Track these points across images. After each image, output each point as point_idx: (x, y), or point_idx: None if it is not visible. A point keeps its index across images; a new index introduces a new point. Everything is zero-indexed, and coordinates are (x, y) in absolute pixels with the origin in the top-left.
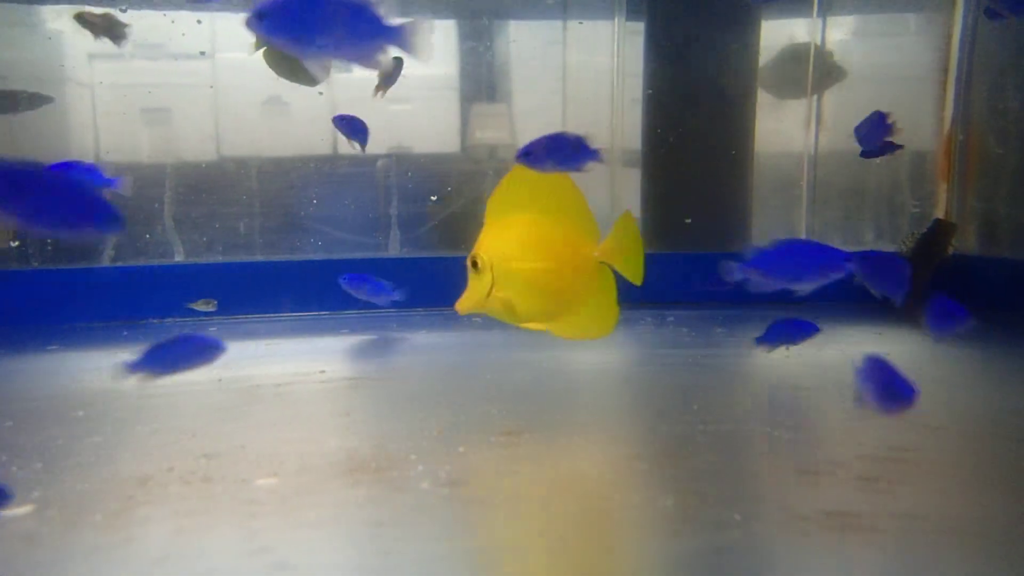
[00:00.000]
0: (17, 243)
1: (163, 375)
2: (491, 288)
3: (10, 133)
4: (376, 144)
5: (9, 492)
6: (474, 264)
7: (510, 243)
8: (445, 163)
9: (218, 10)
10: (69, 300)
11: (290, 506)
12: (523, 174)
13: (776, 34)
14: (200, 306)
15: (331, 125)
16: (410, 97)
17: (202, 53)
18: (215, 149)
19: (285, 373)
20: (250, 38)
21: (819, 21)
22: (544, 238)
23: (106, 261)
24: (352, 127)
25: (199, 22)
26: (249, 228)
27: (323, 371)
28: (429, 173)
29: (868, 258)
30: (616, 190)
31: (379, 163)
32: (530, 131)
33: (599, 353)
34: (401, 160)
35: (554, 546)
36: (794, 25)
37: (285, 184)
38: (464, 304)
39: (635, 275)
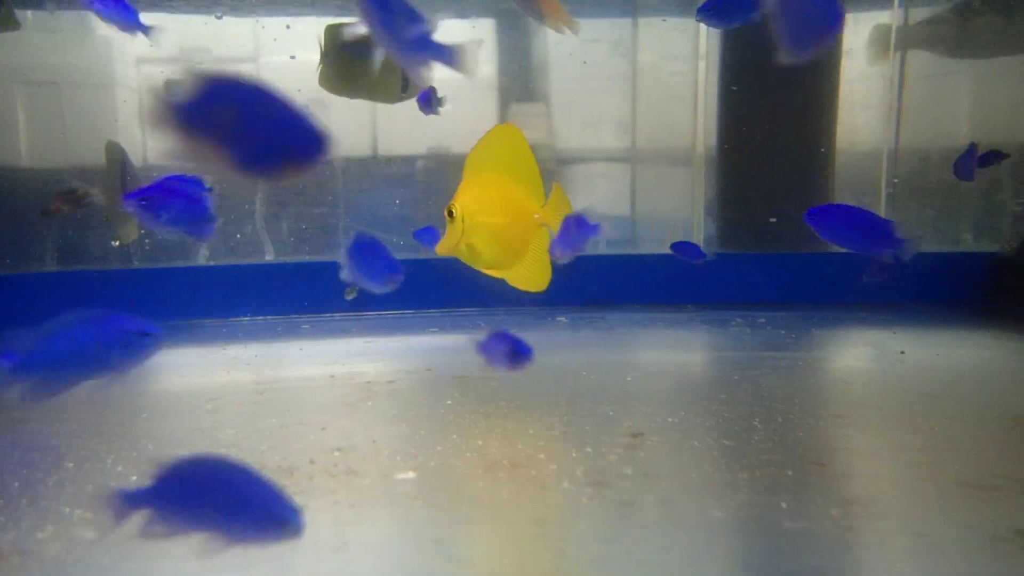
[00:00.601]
0: (118, 243)
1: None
2: (461, 236)
3: (63, 137)
4: (416, 145)
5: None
6: (450, 214)
7: (479, 199)
8: None
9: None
10: (168, 298)
11: (441, 500)
12: (496, 136)
13: (859, 27)
14: (349, 293)
15: (370, 127)
16: (449, 97)
17: (292, 57)
18: None
19: (394, 370)
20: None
21: (900, 12)
22: (505, 197)
23: (201, 260)
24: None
25: (263, 27)
26: (319, 227)
27: (429, 369)
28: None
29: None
30: (696, 190)
31: (418, 163)
32: (569, 131)
33: (701, 354)
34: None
35: (726, 555)
36: (879, 16)
37: (365, 184)
38: (442, 247)
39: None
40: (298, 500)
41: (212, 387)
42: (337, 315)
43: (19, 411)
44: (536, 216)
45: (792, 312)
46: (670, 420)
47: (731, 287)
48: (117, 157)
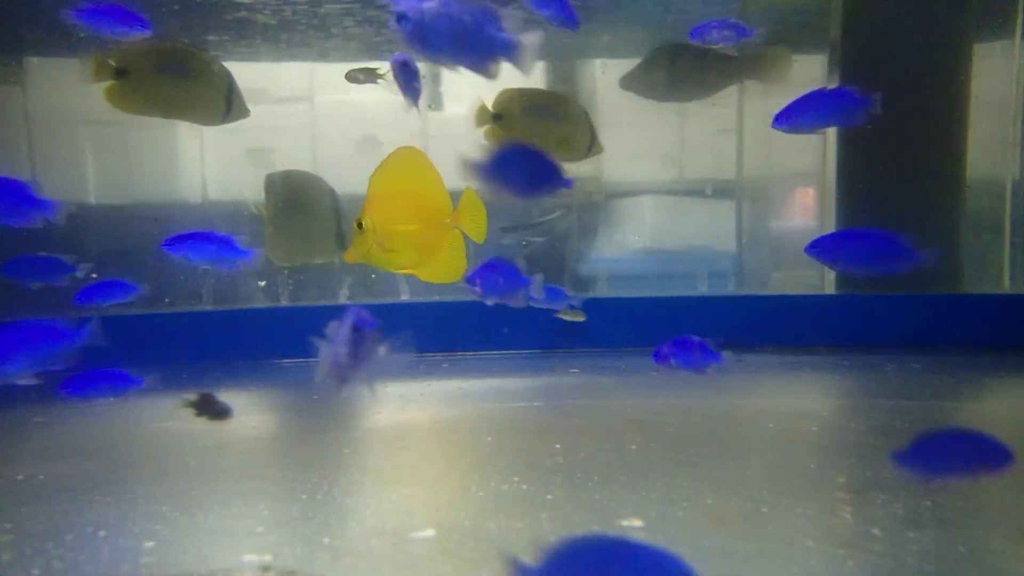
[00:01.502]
0: (264, 282)
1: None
2: (372, 244)
3: (125, 172)
4: (454, 180)
5: None
6: (359, 225)
7: (387, 210)
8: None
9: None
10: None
11: (755, 522)
12: (397, 156)
13: (984, 59)
14: (568, 315)
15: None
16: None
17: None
18: None
19: (564, 406)
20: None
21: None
22: (411, 206)
23: (342, 299)
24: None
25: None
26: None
27: (588, 408)
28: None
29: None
30: (824, 227)
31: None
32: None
33: (875, 402)
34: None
35: None
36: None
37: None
38: (351, 256)
39: (478, 235)
40: None
41: (399, 425)
42: (468, 354)
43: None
44: (448, 220)
45: (942, 356)
46: (883, 475)
47: (859, 329)
48: (325, 198)
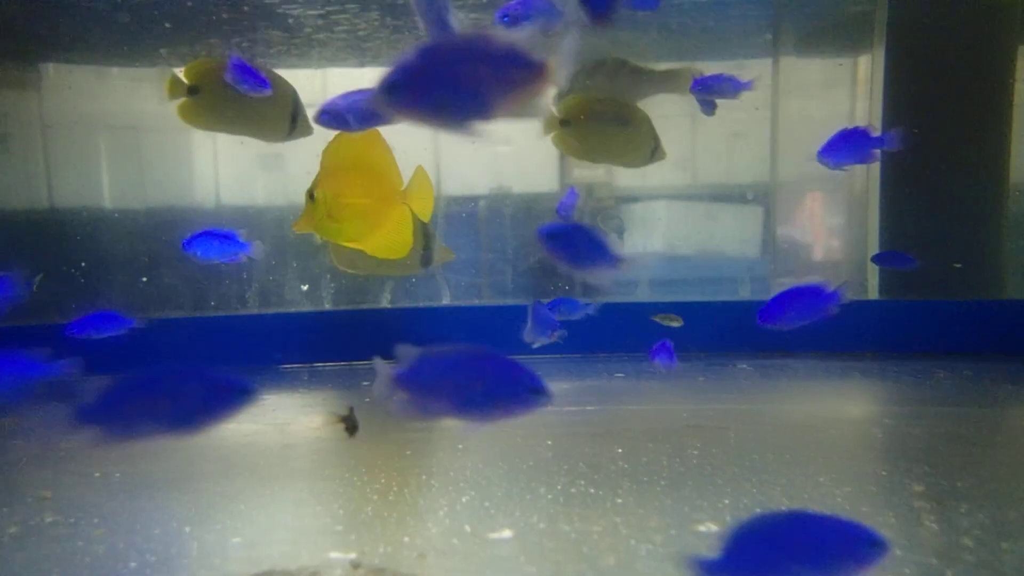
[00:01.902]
0: (307, 287)
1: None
2: (323, 215)
3: (139, 179)
4: (478, 186)
5: None
6: (311, 196)
7: (338, 183)
8: (543, 202)
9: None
10: (354, 338)
11: None
12: (350, 136)
13: None
14: (664, 320)
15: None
16: (512, 139)
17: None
18: None
19: (630, 412)
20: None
21: None
22: (361, 180)
23: (384, 303)
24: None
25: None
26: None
27: (648, 414)
28: (529, 213)
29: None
30: (869, 235)
31: (480, 203)
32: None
33: (936, 409)
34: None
35: None
36: None
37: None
38: (300, 226)
39: (424, 213)
40: None
41: (456, 427)
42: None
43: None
44: (396, 197)
45: (991, 363)
46: (959, 484)
47: (904, 335)
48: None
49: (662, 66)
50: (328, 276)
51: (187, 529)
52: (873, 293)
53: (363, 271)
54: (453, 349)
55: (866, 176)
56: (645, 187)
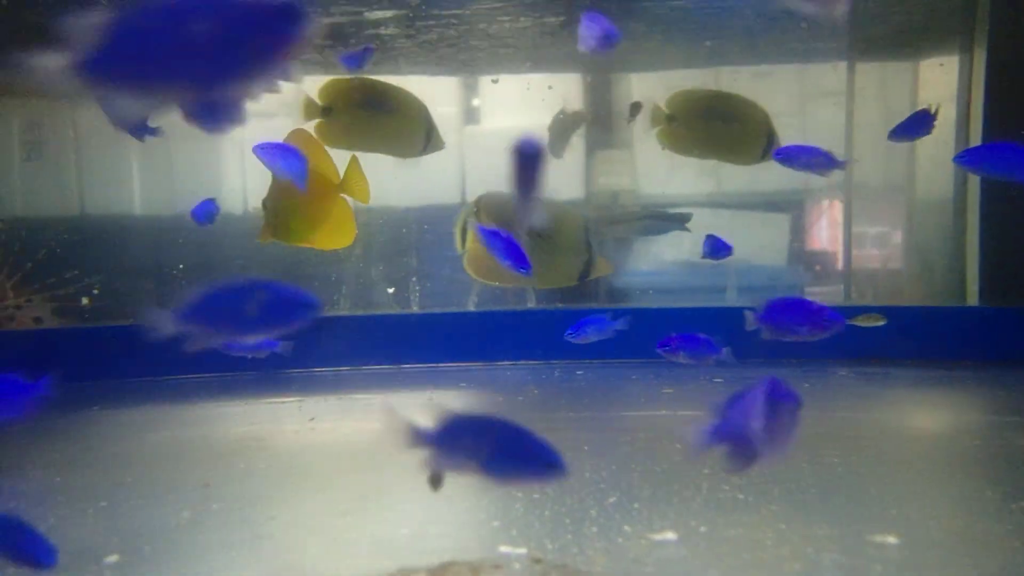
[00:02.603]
0: (393, 290)
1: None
2: (275, 221)
3: (170, 184)
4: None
5: None
6: (264, 205)
7: (280, 188)
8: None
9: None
10: (438, 342)
11: None
12: (290, 139)
13: None
14: (865, 321)
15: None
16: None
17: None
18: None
19: None
20: None
21: None
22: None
23: (471, 306)
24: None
25: (494, 81)
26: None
27: None
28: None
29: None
30: (969, 240)
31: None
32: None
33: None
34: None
35: None
36: None
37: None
38: (263, 235)
39: (364, 198)
40: None
41: (580, 428)
42: (594, 361)
43: None
44: (334, 190)
45: None
46: None
47: (1007, 343)
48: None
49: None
50: (414, 279)
51: (347, 519)
52: (972, 299)
53: (511, 282)
54: (477, 417)
55: (962, 182)
56: (675, 195)
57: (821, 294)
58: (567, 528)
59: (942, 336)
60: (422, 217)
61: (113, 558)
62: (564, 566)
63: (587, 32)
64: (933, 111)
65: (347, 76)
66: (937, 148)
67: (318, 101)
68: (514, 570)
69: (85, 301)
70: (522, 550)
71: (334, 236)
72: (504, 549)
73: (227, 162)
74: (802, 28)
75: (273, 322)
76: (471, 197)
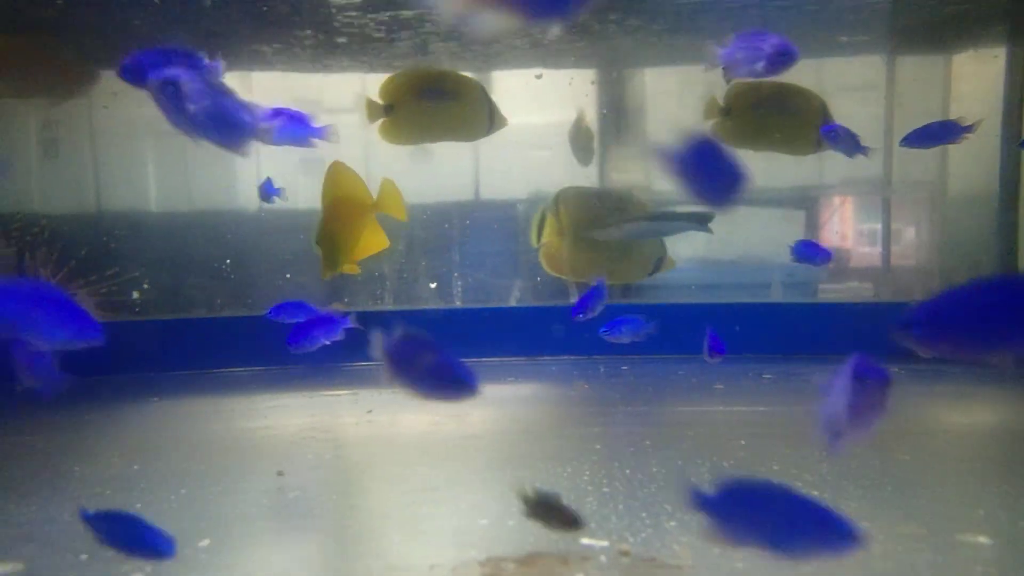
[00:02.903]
0: (435, 284)
1: None
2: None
3: (185, 181)
4: (516, 189)
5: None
6: (317, 244)
7: (329, 224)
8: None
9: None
10: (485, 336)
11: None
12: (327, 175)
13: None
14: None
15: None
16: (550, 143)
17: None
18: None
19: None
20: None
21: None
22: (343, 211)
23: (513, 302)
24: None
25: (538, 77)
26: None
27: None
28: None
29: None
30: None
31: (518, 208)
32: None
33: None
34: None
35: None
36: None
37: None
38: (325, 272)
39: (400, 214)
40: None
41: (671, 423)
42: (636, 357)
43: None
44: (370, 208)
45: None
46: None
47: None
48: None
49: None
50: (455, 274)
51: (424, 509)
52: None
53: (583, 278)
54: (764, 485)
55: (1011, 178)
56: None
57: (843, 291)
58: (645, 522)
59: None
60: (437, 214)
61: (205, 542)
62: (653, 559)
63: (746, 51)
64: (968, 123)
65: (404, 71)
66: (980, 142)
67: (379, 100)
68: (601, 563)
69: (136, 295)
70: (604, 542)
71: (368, 245)
72: (586, 541)
73: (242, 160)
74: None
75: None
76: (485, 194)
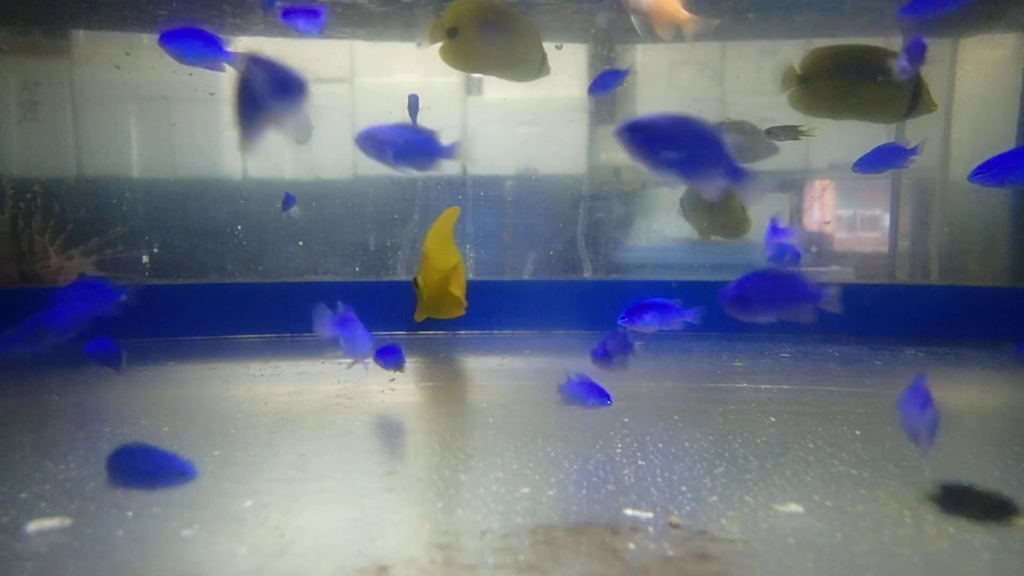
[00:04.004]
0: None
1: None
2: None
3: (169, 147)
4: (504, 166)
5: None
6: (415, 284)
7: (428, 269)
8: (570, 184)
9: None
10: (497, 310)
11: None
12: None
13: None
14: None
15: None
16: (538, 120)
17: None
18: (351, 168)
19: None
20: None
21: None
22: (439, 253)
23: (526, 275)
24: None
25: (558, 48)
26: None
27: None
28: (556, 194)
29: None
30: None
31: (507, 184)
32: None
33: None
34: (526, 181)
35: None
36: None
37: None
38: (418, 315)
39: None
40: None
41: (680, 398)
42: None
43: None
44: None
45: None
46: None
47: None
48: None
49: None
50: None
51: (463, 477)
52: None
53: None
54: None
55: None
56: None
57: (831, 274)
58: (686, 496)
59: (1008, 316)
60: (426, 187)
61: (248, 503)
62: (703, 532)
63: None
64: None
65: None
66: (995, 125)
67: (444, 23)
68: (651, 534)
69: (145, 259)
70: (649, 514)
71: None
72: (629, 512)
73: (229, 128)
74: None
75: None
76: (473, 168)
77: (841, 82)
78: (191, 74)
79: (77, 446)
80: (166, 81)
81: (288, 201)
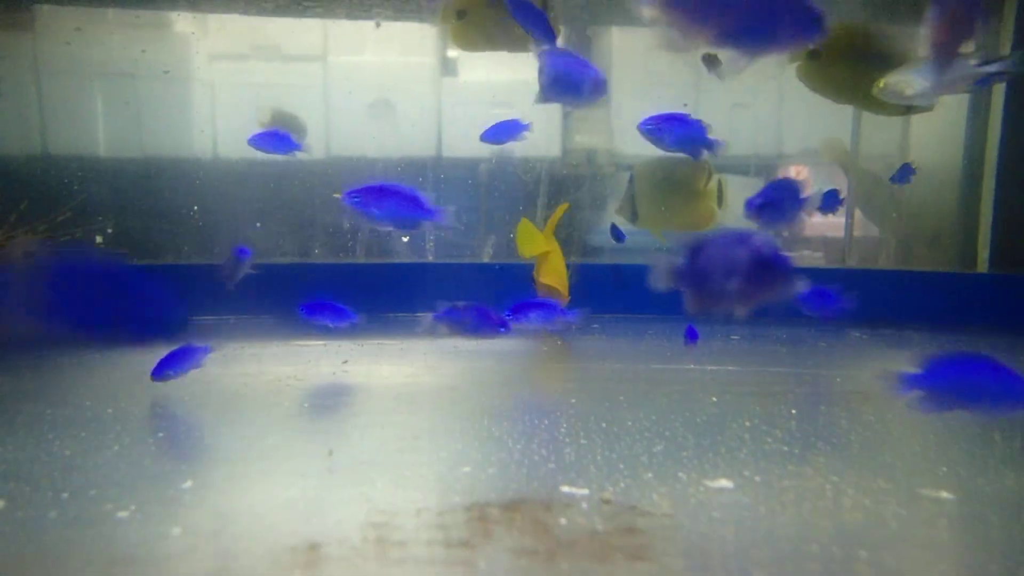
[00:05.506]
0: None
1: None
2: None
3: (137, 125)
4: (480, 147)
5: None
6: (533, 281)
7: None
8: (544, 167)
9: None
10: (457, 290)
11: None
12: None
13: None
14: None
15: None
16: (512, 101)
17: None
18: (325, 148)
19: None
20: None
21: None
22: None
23: (485, 258)
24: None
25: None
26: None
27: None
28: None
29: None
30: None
31: (481, 167)
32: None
33: None
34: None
35: None
36: None
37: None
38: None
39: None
40: None
41: (655, 380)
42: (607, 316)
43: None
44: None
45: None
46: None
47: (1016, 311)
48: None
49: None
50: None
51: (406, 456)
52: (983, 267)
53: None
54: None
55: (978, 152)
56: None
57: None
58: (623, 473)
59: (952, 301)
60: (399, 169)
61: (188, 483)
62: (634, 507)
63: None
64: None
65: None
66: (946, 115)
67: (453, 5)
68: (583, 509)
69: (99, 240)
70: (584, 490)
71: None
72: (566, 489)
73: (197, 104)
74: None
75: None
76: (447, 151)
77: (851, 66)
78: (144, 51)
79: (18, 429)
80: (132, 58)
81: (242, 255)
